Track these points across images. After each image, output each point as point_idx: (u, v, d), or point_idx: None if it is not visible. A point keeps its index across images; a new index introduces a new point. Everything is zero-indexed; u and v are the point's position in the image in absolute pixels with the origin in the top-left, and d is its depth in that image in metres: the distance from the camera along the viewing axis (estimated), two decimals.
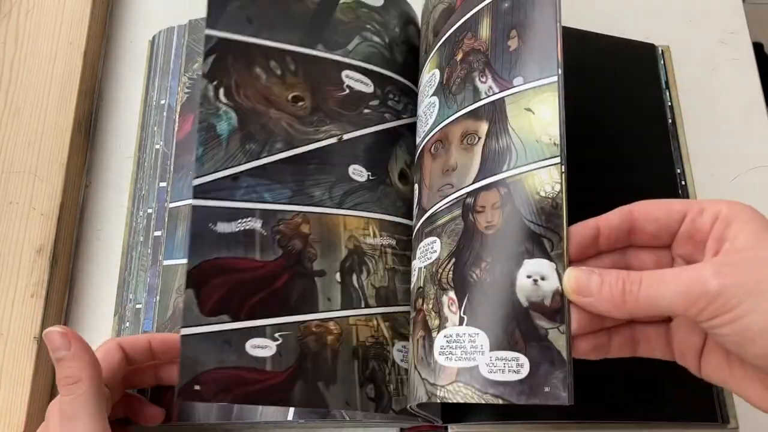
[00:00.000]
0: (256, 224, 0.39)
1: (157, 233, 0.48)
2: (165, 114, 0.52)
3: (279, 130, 0.41)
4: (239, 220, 0.39)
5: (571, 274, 0.32)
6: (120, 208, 0.52)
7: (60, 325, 0.37)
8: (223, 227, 0.38)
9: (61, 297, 0.50)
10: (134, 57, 0.58)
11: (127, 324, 0.46)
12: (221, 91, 0.40)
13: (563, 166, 0.34)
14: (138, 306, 0.47)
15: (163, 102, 0.52)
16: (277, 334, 0.38)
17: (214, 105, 0.40)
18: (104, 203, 0.53)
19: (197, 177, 0.38)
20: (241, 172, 0.39)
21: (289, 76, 0.42)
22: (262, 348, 0.37)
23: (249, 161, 0.40)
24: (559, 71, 0.36)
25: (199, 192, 0.38)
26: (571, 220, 0.34)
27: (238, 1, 0.41)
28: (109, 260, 0.51)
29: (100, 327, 0.49)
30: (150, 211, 0.49)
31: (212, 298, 0.37)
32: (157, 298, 0.46)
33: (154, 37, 0.55)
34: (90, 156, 0.55)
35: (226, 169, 0.39)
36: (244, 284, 0.38)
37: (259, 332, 0.37)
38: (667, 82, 0.54)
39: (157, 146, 0.51)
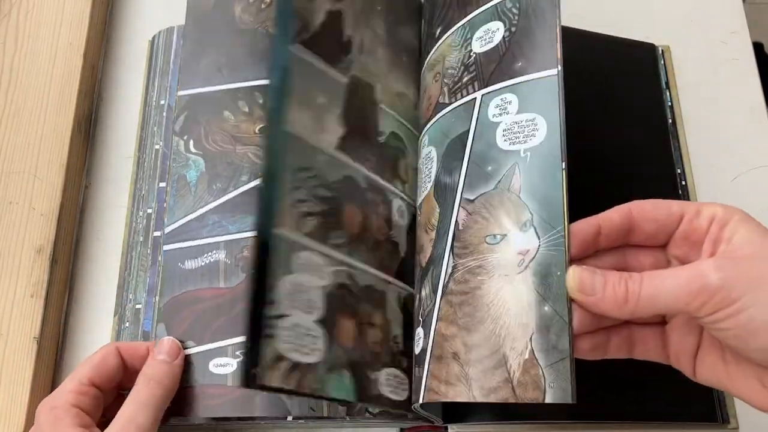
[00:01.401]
0: (220, 255, 0.41)
1: (157, 233, 0.48)
2: (165, 114, 0.52)
3: (245, 162, 0.43)
4: (205, 255, 0.42)
5: (575, 273, 0.32)
6: (120, 208, 0.52)
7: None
8: (190, 264, 0.42)
9: (61, 297, 0.50)
10: (134, 57, 0.58)
11: (127, 324, 0.46)
12: (191, 143, 0.43)
13: (564, 164, 0.33)
14: (138, 306, 0.47)
15: (162, 102, 0.52)
16: (238, 352, 0.40)
17: (184, 157, 0.43)
18: (104, 203, 0.53)
19: (168, 225, 0.42)
20: (207, 211, 0.42)
21: (256, 110, 0.43)
22: (223, 366, 0.40)
23: (215, 200, 0.42)
24: (559, 67, 0.34)
25: (169, 238, 0.42)
26: (572, 220, 0.34)
27: (210, 56, 0.42)
28: (109, 260, 0.51)
29: (100, 327, 0.49)
30: (150, 211, 0.49)
31: (180, 328, 0.42)
32: (157, 298, 0.46)
33: (153, 37, 0.55)
34: (90, 156, 0.55)
35: (194, 212, 0.42)
36: (206, 312, 0.41)
37: (221, 352, 0.40)
38: (667, 82, 0.54)
39: (157, 146, 0.51)
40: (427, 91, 0.41)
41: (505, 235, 0.33)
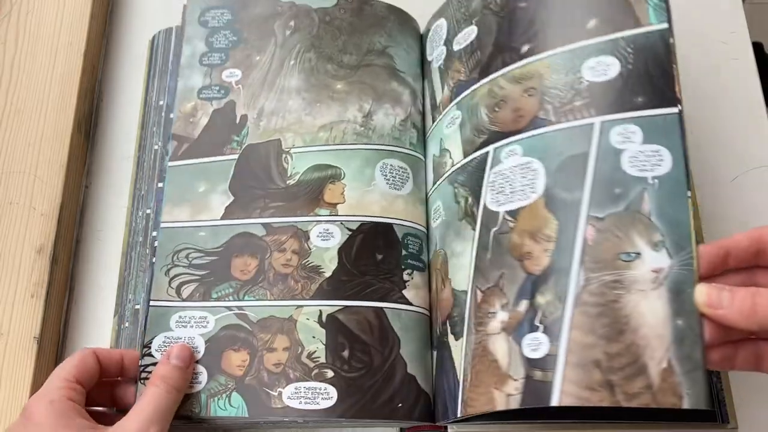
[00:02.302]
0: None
1: (155, 233, 0.48)
2: (164, 114, 0.52)
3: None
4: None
5: (703, 290, 0.35)
6: (120, 208, 0.52)
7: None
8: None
9: (61, 297, 0.50)
10: (134, 57, 0.58)
11: (127, 324, 0.46)
12: None
13: (689, 192, 0.37)
14: (137, 306, 0.47)
15: (162, 102, 0.52)
16: None
17: None
18: (104, 203, 0.53)
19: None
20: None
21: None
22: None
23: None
24: (680, 106, 0.39)
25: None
26: None
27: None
28: (109, 260, 0.51)
29: (100, 327, 0.49)
30: (149, 211, 0.49)
31: None
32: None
33: (153, 37, 0.55)
34: (90, 156, 0.55)
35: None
36: None
37: None
38: None
39: (157, 146, 0.51)
40: (511, 103, 0.43)
41: (639, 253, 0.37)
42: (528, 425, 0.44)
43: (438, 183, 0.48)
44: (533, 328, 0.38)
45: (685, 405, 0.34)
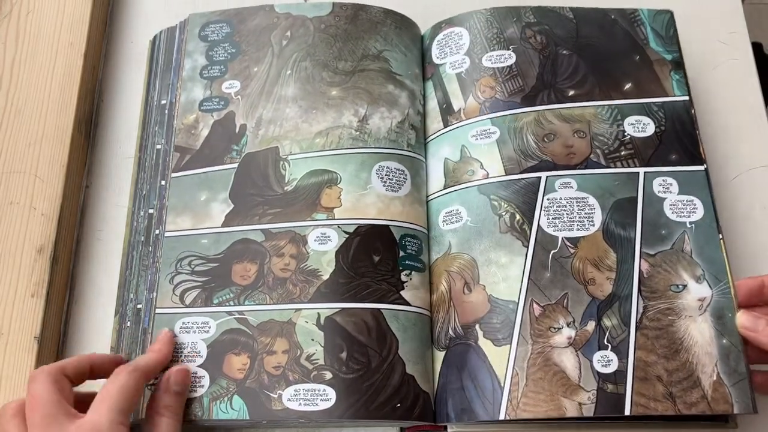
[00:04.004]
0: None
1: (158, 232, 0.48)
2: (165, 114, 0.52)
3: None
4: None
5: (741, 316, 0.43)
6: (120, 208, 0.52)
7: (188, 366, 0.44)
8: None
9: (62, 297, 0.50)
10: (135, 57, 0.58)
11: (128, 323, 0.47)
12: None
13: (720, 234, 0.46)
14: (139, 306, 0.47)
15: (163, 102, 0.53)
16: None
17: None
18: (105, 203, 0.53)
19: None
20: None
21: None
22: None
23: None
24: (705, 165, 0.48)
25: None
26: None
27: None
28: (109, 260, 0.51)
29: (100, 327, 0.49)
30: (151, 210, 0.49)
31: None
32: (155, 294, 0.47)
33: (154, 37, 0.56)
34: (90, 156, 0.55)
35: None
36: None
37: None
38: None
39: (158, 146, 0.51)
40: (562, 138, 0.49)
41: (686, 285, 0.45)
42: (528, 425, 0.44)
43: (457, 188, 0.48)
44: (602, 347, 0.44)
45: (736, 411, 0.42)
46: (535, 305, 0.44)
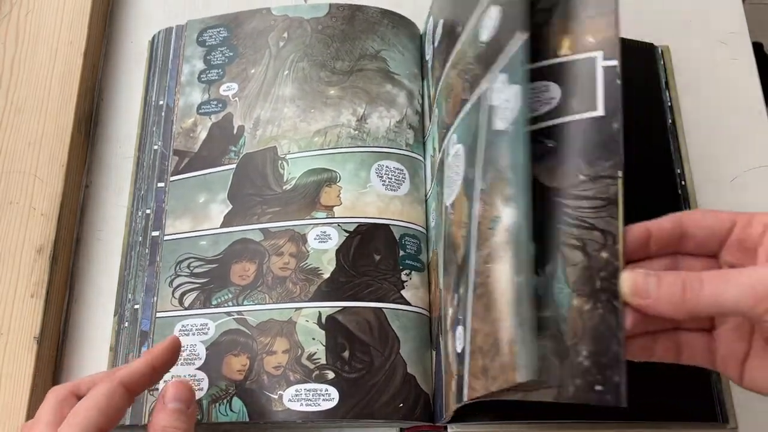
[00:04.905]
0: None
1: (155, 233, 0.48)
2: (164, 114, 0.52)
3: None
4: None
5: (628, 277, 0.31)
6: (120, 208, 0.52)
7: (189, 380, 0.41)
8: None
9: (61, 297, 0.50)
10: (134, 57, 0.58)
11: (126, 324, 0.47)
12: None
13: (620, 171, 0.34)
14: (137, 306, 0.47)
15: (162, 102, 0.53)
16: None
17: None
18: (104, 203, 0.53)
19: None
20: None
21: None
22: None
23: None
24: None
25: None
26: None
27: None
28: (109, 260, 0.51)
29: (100, 327, 0.49)
30: (148, 211, 0.49)
31: None
32: (155, 299, 0.47)
33: (153, 37, 0.56)
34: (90, 156, 0.55)
35: None
36: None
37: None
38: (667, 82, 0.54)
39: (156, 146, 0.51)
40: (454, 90, 0.42)
41: (499, 216, 0.33)
42: (528, 425, 0.44)
43: (433, 183, 0.48)
44: (458, 321, 0.36)
45: (519, 378, 0.30)
46: (442, 290, 0.41)
